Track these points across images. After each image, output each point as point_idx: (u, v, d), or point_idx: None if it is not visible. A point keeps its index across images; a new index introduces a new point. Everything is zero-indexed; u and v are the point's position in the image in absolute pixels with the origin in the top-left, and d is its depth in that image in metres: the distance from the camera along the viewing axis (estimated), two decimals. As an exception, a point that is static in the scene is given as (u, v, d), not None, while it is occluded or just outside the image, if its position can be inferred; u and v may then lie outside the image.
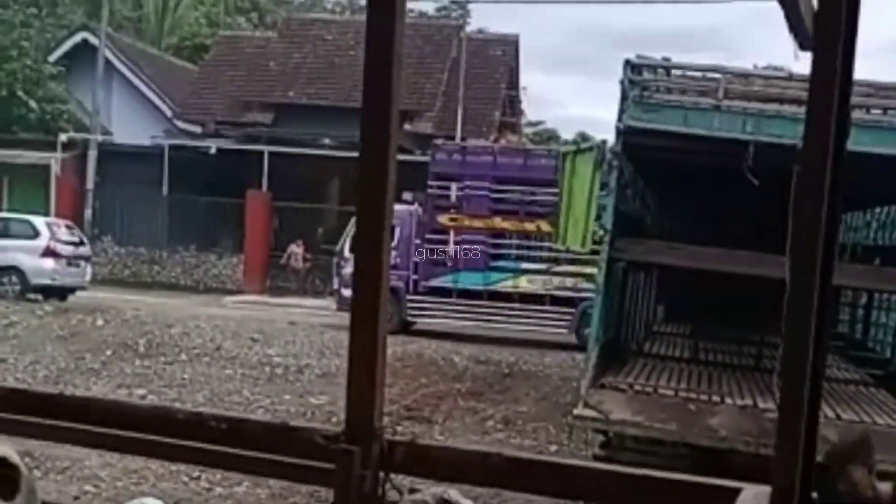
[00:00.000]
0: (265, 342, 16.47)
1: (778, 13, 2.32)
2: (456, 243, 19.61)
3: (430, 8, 41.91)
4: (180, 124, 30.26)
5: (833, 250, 2.14)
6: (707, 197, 12.21)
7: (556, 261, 19.05)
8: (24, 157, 28.66)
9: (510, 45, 31.48)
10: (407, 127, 26.16)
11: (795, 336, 2.02)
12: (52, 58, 31.47)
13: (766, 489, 2.02)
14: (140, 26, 40.73)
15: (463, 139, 25.78)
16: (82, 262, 22.30)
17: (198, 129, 29.88)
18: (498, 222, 19.42)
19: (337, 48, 29.43)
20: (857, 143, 7.82)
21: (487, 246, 19.54)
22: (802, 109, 8.86)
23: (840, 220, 2.13)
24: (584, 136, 27.37)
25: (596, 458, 8.28)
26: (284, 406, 12.68)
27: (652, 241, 10.25)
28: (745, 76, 9.54)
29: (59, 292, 21.14)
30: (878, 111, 8.98)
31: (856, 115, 8.61)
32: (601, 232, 9.75)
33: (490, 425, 12.21)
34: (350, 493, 2.17)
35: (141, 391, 13.01)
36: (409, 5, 34.08)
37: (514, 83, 32.61)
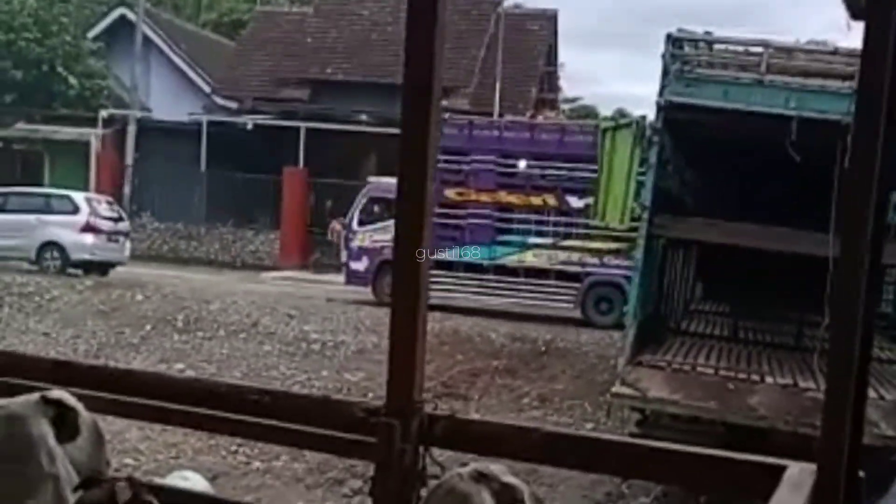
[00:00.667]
0: (302, 318, 16.55)
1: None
2: (463, 217, 19.54)
3: (467, -17, 41.58)
4: (218, 100, 30.40)
5: (883, 228, 2.10)
6: (748, 173, 12.06)
7: (563, 235, 19.01)
8: (65, 133, 28.96)
9: (549, 21, 31.22)
10: (444, 103, 26.05)
11: (843, 315, 1.99)
12: (91, 34, 31.69)
13: (812, 467, 2.00)
14: (178, 2, 40.91)
15: (501, 115, 25.66)
16: (122, 238, 22.50)
17: (235, 105, 30.00)
18: (504, 196, 19.27)
19: (373, 24, 29.37)
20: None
21: (494, 220, 19.43)
22: (847, 84, 8.70)
23: (890, 198, 2.08)
24: (622, 113, 27.11)
25: (632, 436, 8.25)
26: (321, 382, 12.78)
27: (691, 217, 10.14)
28: (787, 50, 9.38)
29: (99, 267, 21.36)
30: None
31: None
32: (640, 209, 9.66)
33: (526, 402, 12.22)
34: (391, 467, 2.16)
35: (180, 366, 13.17)
36: (447, -20, 33.76)
37: (552, 59, 32.36)
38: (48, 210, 21.61)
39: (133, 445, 9.64)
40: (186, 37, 33.51)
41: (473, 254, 19.41)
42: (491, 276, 19.38)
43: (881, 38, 1.94)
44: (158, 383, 2.82)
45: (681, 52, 8.66)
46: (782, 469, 2.08)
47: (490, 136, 19.67)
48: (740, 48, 9.39)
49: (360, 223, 20.61)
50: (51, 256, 21.15)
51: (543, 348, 15.06)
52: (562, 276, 18.99)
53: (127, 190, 28.64)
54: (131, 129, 29.00)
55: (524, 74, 29.09)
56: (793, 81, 8.62)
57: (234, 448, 9.73)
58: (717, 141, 10.04)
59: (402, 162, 2.25)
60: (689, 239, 10.54)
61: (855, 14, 2.09)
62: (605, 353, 13.84)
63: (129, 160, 29.03)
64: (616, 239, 17.88)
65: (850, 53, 8.16)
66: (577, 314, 18.69)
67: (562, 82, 37.25)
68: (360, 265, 20.31)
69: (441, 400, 11.41)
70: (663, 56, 8.57)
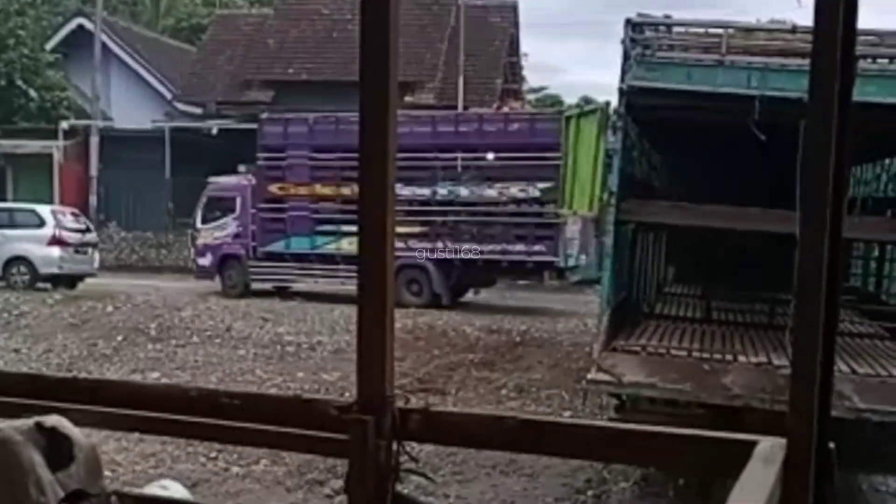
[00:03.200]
0: (276, 321, 16.51)
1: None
2: (285, 211, 20.98)
3: (426, -22, 41.50)
4: (181, 106, 30.18)
5: (842, 203, 2.12)
6: (714, 154, 12.12)
7: None
8: (27, 147, 28.67)
9: (509, 12, 31.28)
10: (409, 98, 26.04)
11: (807, 290, 2.01)
12: (49, 45, 31.38)
13: (783, 441, 2.01)
14: (135, 9, 40.58)
15: (466, 108, 25.69)
16: (90, 249, 22.33)
17: (199, 111, 29.80)
18: (319, 189, 20.65)
19: (334, 22, 29.27)
20: (863, 93, 7.73)
21: (311, 212, 20.84)
22: (807, 62, 8.73)
23: (849, 173, 2.10)
24: (587, 100, 27.17)
25: (611, 421, 8.28)
26: (297, 384, 12.73)
27: (659, 201, 10.18)
28: (747, 30, 9.43)
29: (68, 280, 21.19)
30: (885, 60, 8.88)
31: (862, 64, 8.52)
32: (607, 195, 9.69)
33: (504, 394, 12.25)
34: (365, 463, 2.16)
35: (154, 374, 13.08)
36: (405, -24, 33.38)
37: (514, 50, 32.41)
38: (13, 225, 21.40)
39: (110, 457, 9.55)
40: (145, 44, 33.24)
41: (297, 244, 20.95)
42: (315, 264, 20.83)
43: (831, 14, 1.96)
44: (130, 392, 2.79)
45: (641, 37, 8.68)
46: (754, 444, 2.09)
47: (302, 132, 20.99)
48: (700, 30, 9.43)
49: (203, 221, 22.08)
50: (18, 272, 20.95)
51: (518, 339, 15.10)
52: None
53: (93, 200, 28.42)
54: (94, 140, 28.79)
55: (488, 66, 29.11)
56: (754, 61, 8.67)
57: (212, 454, 9.67)
58: (682, 123, 10.09)
59: (363, 158, 2.24)
60: (657, 223, 10.57)
61: (805, -8, 2.11)
62: (580, 341, 13.91)
63: (93, 171, 28.82)
64: (419, 223, 19.43)
65: (808, 31, 8.22)
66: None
67: (526, 72, 37.34)
68: (205, 261, 21.93)
69: (418, 395, 11.42)
70: (623, 41, 8.59)
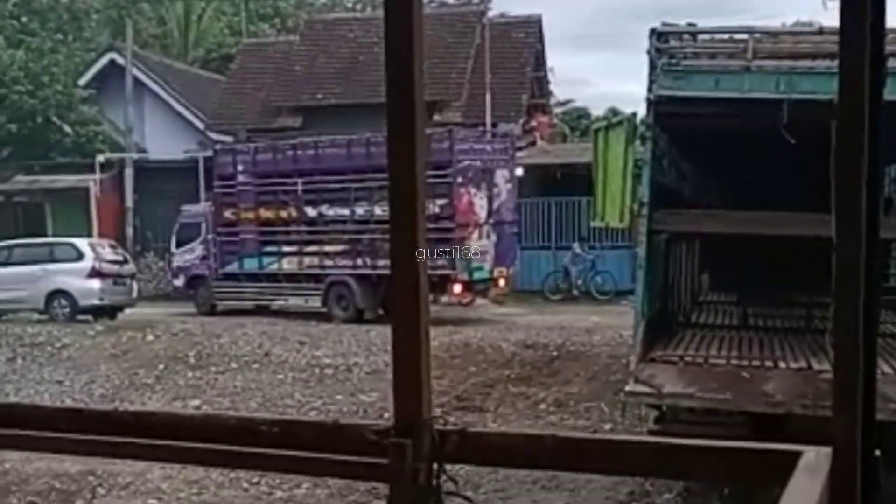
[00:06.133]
0: (313, 344, 16.57)
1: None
2: (238, 234, 22.55)
3: (449, -4, 41.67)
4: (213, 135, 30.44)
5: (878, 203, 2.10)
6: (745, 160, 12.03)
7: (307, 242, 21.63)
8: (63, 182, 29.07)
9: (533, 27, 31.26)
10: (436, 117, 26.11)
11: (845, 293, 1.98)
12: (82, 81, 31.79)
13: (828, 450, 1.98)
14: (165, 42, 41.06)
15: (494, 125, 25.74)
16: (128, 280, 22.61)
17: (230, 139, 30.05)
18: (263, 212, 22.14)
19: (360, 46, 29.42)
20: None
21: (258, 234, 22.28)
22: (835, 63, 8.65)
23: (883, 173, 2.07)
24: (614, 112, 27.11)
25: (651, 433, 8.20)
26: (336, 406, 12.77)
27: (691, 210, 10.11)
28: (773, 34, 9.37)
29: (107, 312, 21.44)
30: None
31: (893, 63, 8.42)
32: (638, 206, 9.62)
33: (542, 409, 12.19)
34: (405, 486, 2.15)
35: (195, 402, 13.17)
36: (429, -5, 33.51)
37: (540, 65, 32.38)
38: (53, 259, 21.71)
39: (156, 486, 9.63)
40: (176, 75, 33.62)
41: (248, 265, 22.43)
42: (263, 283, 22.34)
43: (857, 16, 1.94)
44: (170, 422, 2.80)
45: (666, 46, 8.64)
46: (799, 455, 2.06)
47: (248, 161, 22.44)
48: (725, 36, 9.38)
49: (177, 245, 23.79)
50: (59, 305, 21.24)
51: (555, 353, 15.04)
52: (309, 277, 21.59)
53: (129, 232, 28.76)
54: (129, 172, 29.16)
55: (514, 82, 29.10)
56: (781, 65, 8.60)
57: (255, 479, 9.70)
58: (711, 131, 10.03)
59: (392, 180, 2.25)
60: (690, 231, 10.49)
61: (828, -6, 2.09)
62: (617, 353, 13.81)
63: (128, 202, 29.17)
64: (344, 241, 20.91)
65: (835, 32, 8.15)
66: (324, 309, 21.13)
67: (553, 86, 37.27)
68: (179, 282, 23.84)
69: (457, 413, 11.39)
70: (649, 52, 8.56)
